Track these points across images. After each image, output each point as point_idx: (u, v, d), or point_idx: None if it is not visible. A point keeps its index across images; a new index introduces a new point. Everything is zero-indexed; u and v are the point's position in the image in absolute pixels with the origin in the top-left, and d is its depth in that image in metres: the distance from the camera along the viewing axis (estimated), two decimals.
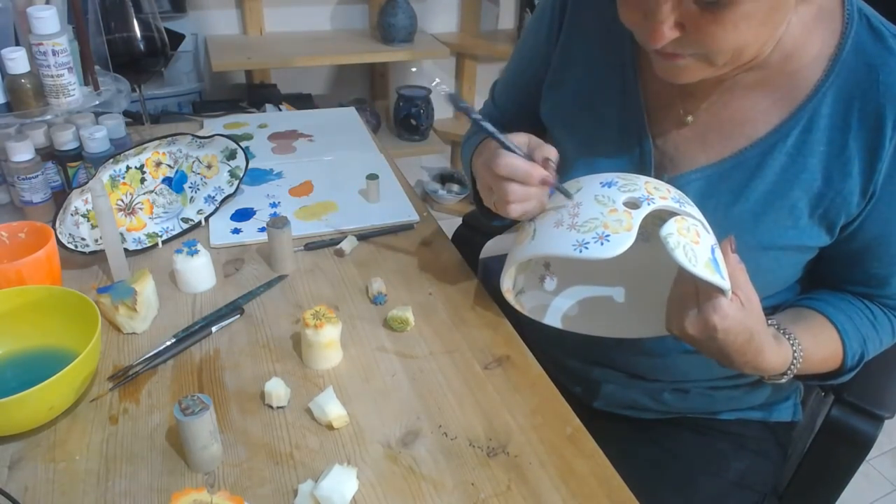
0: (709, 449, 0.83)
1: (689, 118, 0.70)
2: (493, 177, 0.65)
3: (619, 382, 0.84)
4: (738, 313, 0.58)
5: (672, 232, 0.55)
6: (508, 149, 0.64)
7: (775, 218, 0.67)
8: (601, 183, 0.61)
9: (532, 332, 0.93)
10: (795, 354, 0.65)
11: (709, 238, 0.58)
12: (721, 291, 0.57)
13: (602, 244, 0.55)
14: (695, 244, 0.55)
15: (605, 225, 0.56)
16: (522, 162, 0.63)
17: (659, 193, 0.59)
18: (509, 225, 1.22)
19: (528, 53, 0.84)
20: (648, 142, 0.72)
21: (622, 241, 0.55)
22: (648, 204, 0.57)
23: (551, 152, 0.65)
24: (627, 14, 0.61)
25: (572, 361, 0.87)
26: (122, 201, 0.90)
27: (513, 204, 0.64)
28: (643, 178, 0.61)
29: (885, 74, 0.61)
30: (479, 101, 2.44)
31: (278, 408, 0.67)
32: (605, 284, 0.77)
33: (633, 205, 0.57)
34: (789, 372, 0.66)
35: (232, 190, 0.99)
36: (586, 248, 0.56)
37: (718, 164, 0.68)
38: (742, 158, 0.67)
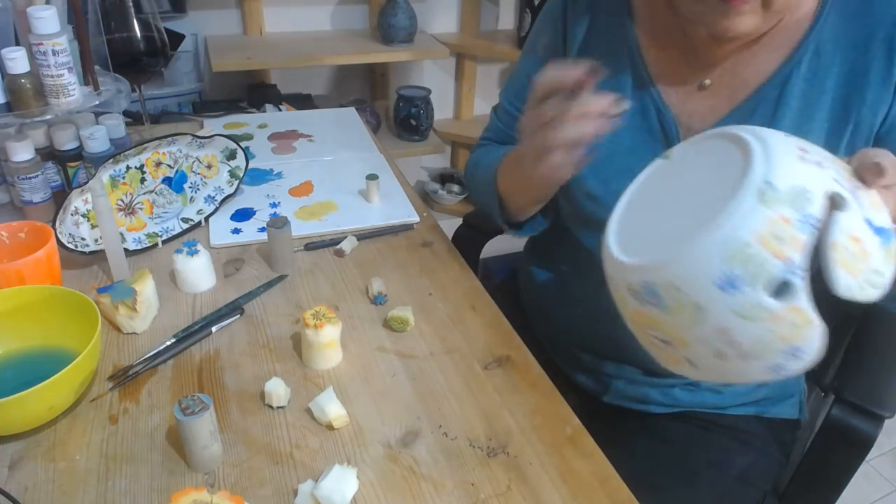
0: (712, 444, 0.83)
1: (707, 81, 0.72)
2: (533, 103, 0.63)
3: (631, 378, 0.85)
4: None
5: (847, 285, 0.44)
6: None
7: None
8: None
9: (542, 326, 0.92)
10: None
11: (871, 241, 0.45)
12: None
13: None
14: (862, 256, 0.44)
15: None
16: (555, 70, 0.61)
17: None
18: (518, 227, 1.21)
19: (542, 53, 0.85)
20: (669, 115, 0.74)
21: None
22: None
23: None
24: None
25: (585, 355, 0.88)
26: (122, 201, 0.90)
27: (564, 126, 0.60)
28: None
29: None
30: (479, 101, 2.44)
31: (278, 408, 0.67)
32: None
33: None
34: None
35: (232, 190, 0.99)
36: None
37: (742, 104, 0.71)
38: (762, 95, 0.70)
